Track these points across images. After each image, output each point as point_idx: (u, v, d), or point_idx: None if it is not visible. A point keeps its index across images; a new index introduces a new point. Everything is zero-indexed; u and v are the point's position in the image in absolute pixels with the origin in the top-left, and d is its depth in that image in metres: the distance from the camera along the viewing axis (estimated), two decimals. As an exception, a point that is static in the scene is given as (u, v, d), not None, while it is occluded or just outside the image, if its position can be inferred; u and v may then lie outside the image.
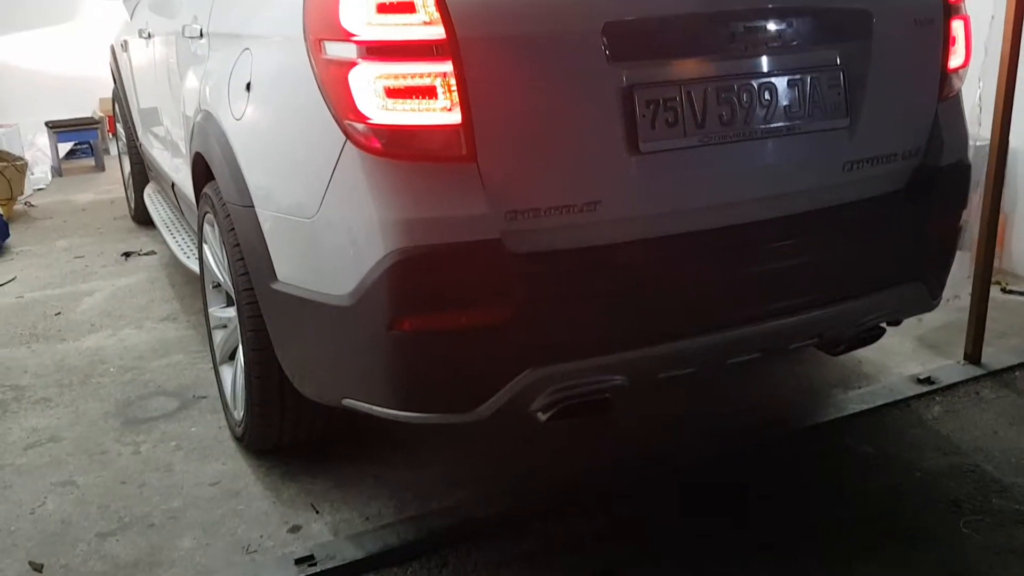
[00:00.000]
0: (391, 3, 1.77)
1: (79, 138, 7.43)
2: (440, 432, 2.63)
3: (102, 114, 7.51)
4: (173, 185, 3.72)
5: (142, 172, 4.92)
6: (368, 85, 1.79)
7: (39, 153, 7.22)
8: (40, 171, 6.97)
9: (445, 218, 1.82)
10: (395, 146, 1.81)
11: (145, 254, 4.80)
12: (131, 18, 4.37)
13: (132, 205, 5.31)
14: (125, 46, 4.59)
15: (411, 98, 1.78)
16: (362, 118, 1.80)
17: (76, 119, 7.34)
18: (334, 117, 1.85)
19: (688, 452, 2.60)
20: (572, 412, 2.03)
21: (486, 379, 1.93)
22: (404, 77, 1.78)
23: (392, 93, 1.78)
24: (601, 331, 1.97)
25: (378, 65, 1.78)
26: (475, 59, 1.77)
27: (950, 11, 2.21)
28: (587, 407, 2.04)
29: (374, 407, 2.03)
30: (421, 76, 1.77)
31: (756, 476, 2.48)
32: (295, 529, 2.31)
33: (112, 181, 6.60)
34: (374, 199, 1.83)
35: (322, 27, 1.85)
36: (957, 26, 2.23)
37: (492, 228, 1.83)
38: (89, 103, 7.60)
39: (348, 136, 1.83)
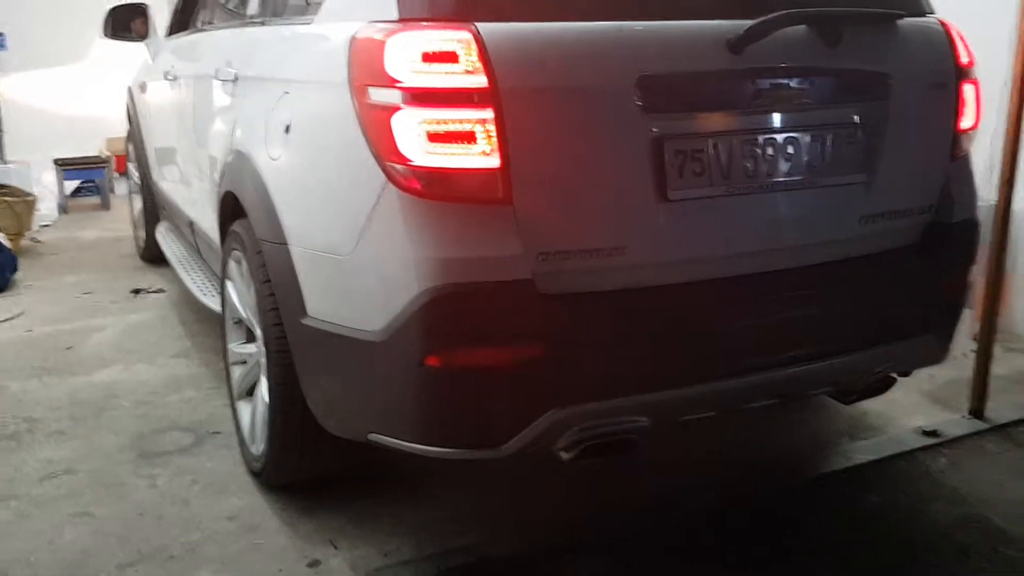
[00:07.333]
0: (435, 52, 1.85)
1: (86, 176, 7.48)
2: (455, 473, 2.66)
3: (109, 153, 7.59)
4: (191, 223, 3.78)
5: (153, 211, 4.98)
6: (411, 129, 1.86)
7: (45, 190, 7.27)
8: (46, 208, 7.02)
9: (480, 258, 1.88)
10: (435, 187, 1.88)
11: (154, 292, 4.84)
12: (153, 60, 4.47)
13: (141, 243, 5.35)
14: (144, 88, 4.68)
15: (452, 142, 1.85)
16: (404, 160, 1.87)
17: (84, 157, 7.40)
18: (376, 159, 1.91)
19: (695, 498, 2.63)
20: (595, 452, 2.08)
21: (512, 417, 1.97)
22: (446, 122, 1.85)
23: (434, 137, 1.85)
24: (626, 373, 2.02)
25: (422, 111, 1.86)
26: (514, 107, 1.85)
27: (961, 75, 2.32)
28: (610, 447, 2.09)
29: (401, 442, 2.07)
30: (462, 122, 1.84)
31: (763, 524, 2.52)
32: (314, 564, 2.33)
33: (118, 219, 6.65)
34: (412, 238, 1.89)
35: (367, 73, 1.93)
36: (968, 89, 2.34)
37: (524, 269, 1.89)
38: (96, 142, 7.68)
39: (389, 177, 1.90)
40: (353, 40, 1.98)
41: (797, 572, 2.30)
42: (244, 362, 2.81)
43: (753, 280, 2.11)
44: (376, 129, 1.91)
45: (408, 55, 1.86)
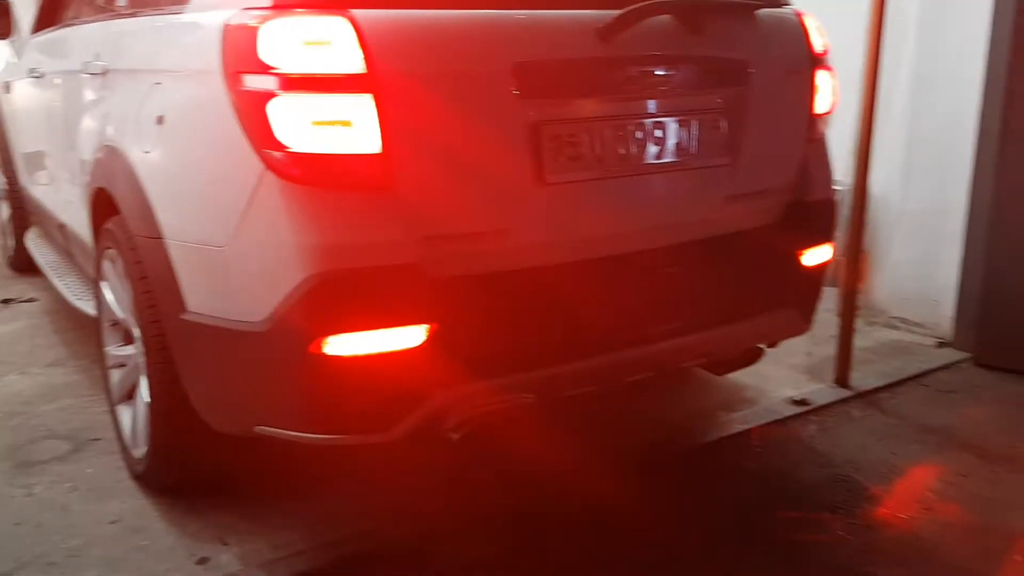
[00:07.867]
0: (311, 38, 1.86)
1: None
2: (349, 461, 2.66)
3: (-28, 161, 7.19)
4: (62, 227, 3.64)
5: (22, 217, 4.76)
6: (287, 116, 1.86)
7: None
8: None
9: (362, 243, 1.90)
10: (314, 174, 1.88)
11: (25, 301, 4.63)
12: (18, 59, 4.29)
13: (9, 252, 5.11)
14: (8, 88, 4.48)
15: (330, 128, 1.86)
16: (281, 147, 1.87)
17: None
18: (252, 147, 1.90)
19: (585, 472, 2.70)
20: (483, 431, 2.12)
21: (400, 400, 2.00)
22: (324, 108, 1.86)
23: (312, 123, 1.86)
24: (511, 352, 2.08)
25: (298, 96, 1.86)
26: (393, 92, 1.87)
27: (815, 62, 2.47)
28: (497, 426, 2.14)
29: (288, 431, 2.07)
30: (341, 107, 1.85)
31: (652, 494, 2.61)
32: (203, 561, 2.29)
33: (-16, 230, 6.32)
34: (292, 225, 1.89)
35: (241, 60, 1.92)
36: (822, 75, 2.50)
37: (408, 253, 1.91)
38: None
39: (267, 164, 1.89)
40: (226, 27, 1.97)
41: (679, 538, 2.40)
42: (123, 365, 2.73)
43: (628, 259, 2.19)
44: (251, 117, 1.90)
45: (283, 41, 1.86)
